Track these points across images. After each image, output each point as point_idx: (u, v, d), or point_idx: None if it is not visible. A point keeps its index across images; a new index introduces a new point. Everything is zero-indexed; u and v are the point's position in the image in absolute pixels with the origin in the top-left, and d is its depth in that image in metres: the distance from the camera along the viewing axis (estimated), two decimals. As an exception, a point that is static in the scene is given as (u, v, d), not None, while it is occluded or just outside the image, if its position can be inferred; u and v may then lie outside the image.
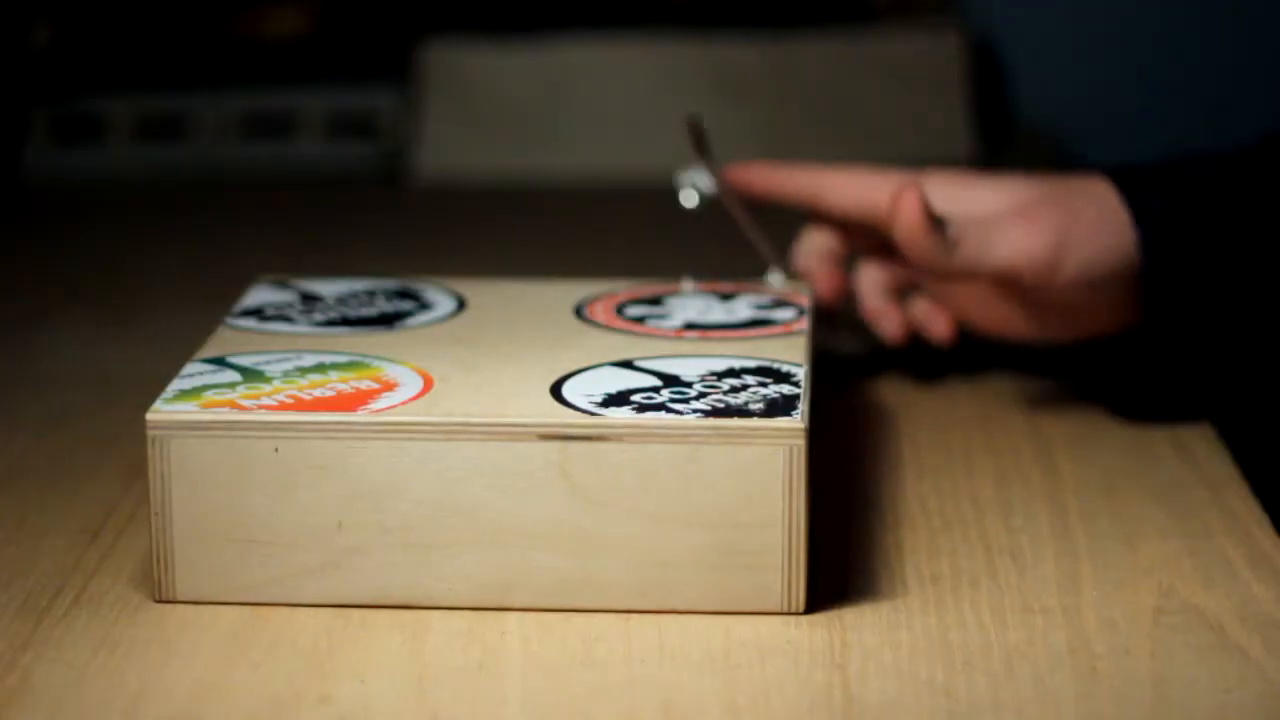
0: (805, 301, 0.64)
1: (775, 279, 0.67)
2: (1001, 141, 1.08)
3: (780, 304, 0.63)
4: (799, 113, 1.04)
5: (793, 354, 0.58)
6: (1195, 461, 0.66)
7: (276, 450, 0.52)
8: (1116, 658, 0.53)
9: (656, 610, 0.54)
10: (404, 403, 0.54)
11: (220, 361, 0.57)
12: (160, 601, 0.54)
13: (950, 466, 0.66)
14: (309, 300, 0.62)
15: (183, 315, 0.78)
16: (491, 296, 0.63)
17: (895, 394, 0.73)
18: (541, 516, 0.53)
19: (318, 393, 0.54)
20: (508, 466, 0.53)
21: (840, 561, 0.58)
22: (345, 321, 0.60)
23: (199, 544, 0.53)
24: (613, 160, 1.02)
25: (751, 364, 0.57)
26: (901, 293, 0.74)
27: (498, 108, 1.02)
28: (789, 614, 0.54)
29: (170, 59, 1.05)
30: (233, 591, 0.53)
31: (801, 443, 0.53)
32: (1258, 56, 1.11)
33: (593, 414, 0.54)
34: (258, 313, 0.61)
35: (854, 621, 0.54)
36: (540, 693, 0.51)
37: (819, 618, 0.54)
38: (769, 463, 0.53)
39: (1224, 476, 0.64)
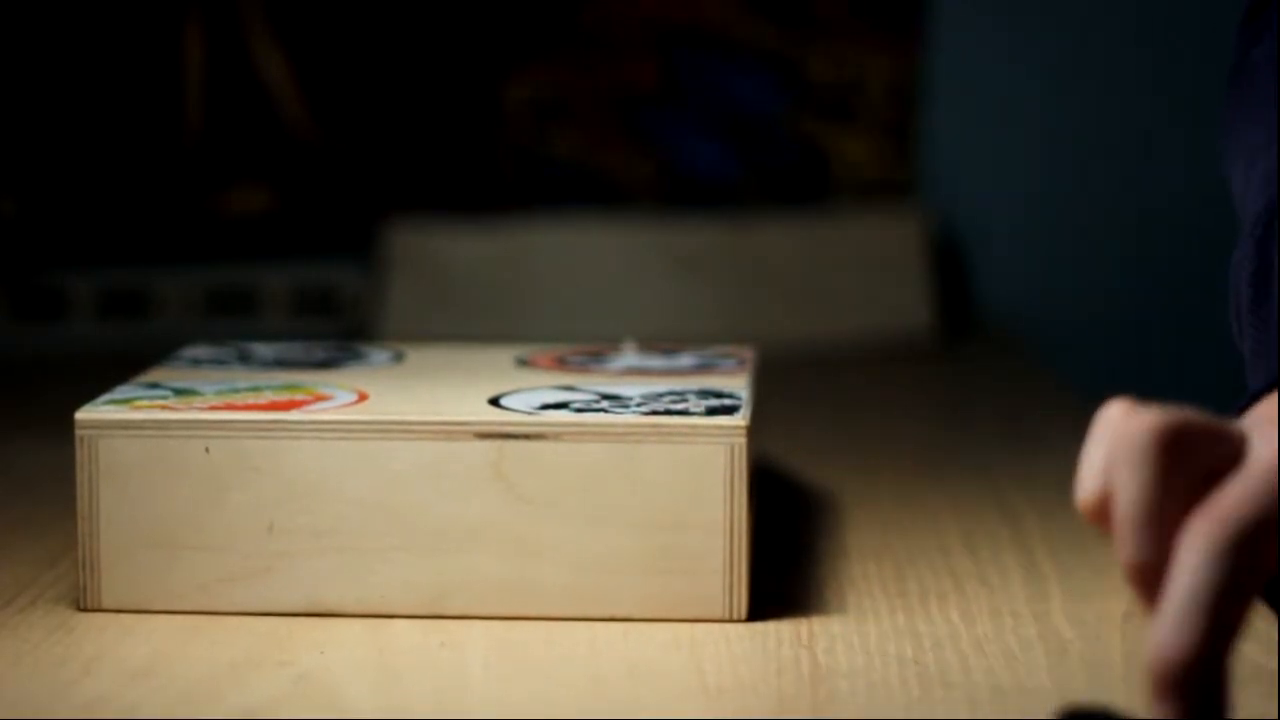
0: (748, 355, 0.63)
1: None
2: (961, 324, 1.08)
3: (725, 356, 0.63)
4: (761, 290, 1.05)
5: (735, 385, 0.57)
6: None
7: (208, 450, 0.51)
8: (1088, 642, 0.52)
9: (594, 618, 0.52)
10: (338, 408, 0.53)
11: (153, 385, 0.56)
12: (85, 610, 0.52)
13: (915, 524, 0.65)
14: (246, 356, 0.62)
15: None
16: (431, 353, 0.63)
17: (852, 483, 0.72)
18: (478, 519, 0.51)
19: (251, 401, 0.54)
20: (443, 467, 0.51)
21: (803, 580, 0.57)
22: (281, 364, 0.60)
23: (127, 549, 0.51)
24: (577, 338, 1.02)
25: (694, 388, 0.57)
26: None
27: (460, 285, 1.03)
28: (731, 621, 0.52)
29: (135, 235, 1.06)
30: (160, 599, 0.52)
31: (743, 440, 0.52)
32: (1214, 254, 1.12)
33: (530, 413, 0.53)
34: (193, 362, 0.61)
35: (820, 626, 0.53)
36: (502, 663, 0.49)
37: (785, 621, 0.53)
38: (710, 462, 0.51)
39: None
